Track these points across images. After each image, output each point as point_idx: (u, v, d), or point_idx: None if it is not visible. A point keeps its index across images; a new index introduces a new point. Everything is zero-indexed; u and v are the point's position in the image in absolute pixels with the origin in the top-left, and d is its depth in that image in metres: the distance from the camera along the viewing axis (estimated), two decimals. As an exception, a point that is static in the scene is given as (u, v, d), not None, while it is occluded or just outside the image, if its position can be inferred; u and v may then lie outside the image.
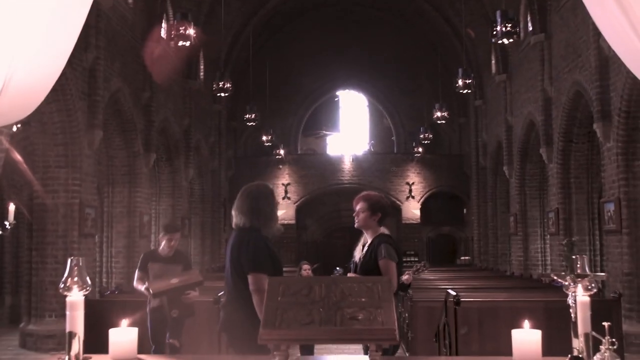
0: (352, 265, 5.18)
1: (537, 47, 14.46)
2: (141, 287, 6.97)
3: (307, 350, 6.89)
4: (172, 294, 6.88)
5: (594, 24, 10.21)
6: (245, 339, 3.93)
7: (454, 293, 7.61)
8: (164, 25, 15.37)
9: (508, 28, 11.72)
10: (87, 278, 3.00)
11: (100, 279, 13.30)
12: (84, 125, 11.12)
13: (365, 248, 5.04)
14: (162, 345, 6.99)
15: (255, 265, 4.05)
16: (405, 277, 6.16)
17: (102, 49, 11.56)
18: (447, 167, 24.77)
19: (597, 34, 10.61)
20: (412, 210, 24.49)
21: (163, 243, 7.22)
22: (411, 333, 8.73)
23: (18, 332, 11.02)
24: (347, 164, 24.96)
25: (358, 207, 5.00)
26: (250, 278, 4.02)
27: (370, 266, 4.85)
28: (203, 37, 16.45)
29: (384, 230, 5.75)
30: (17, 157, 10.44)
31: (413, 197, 24.52)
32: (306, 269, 8.62)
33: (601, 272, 11.44)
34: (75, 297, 2.95)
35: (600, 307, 8.43)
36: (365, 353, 4.35)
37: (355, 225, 5.07)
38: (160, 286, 6.83)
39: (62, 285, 2.96)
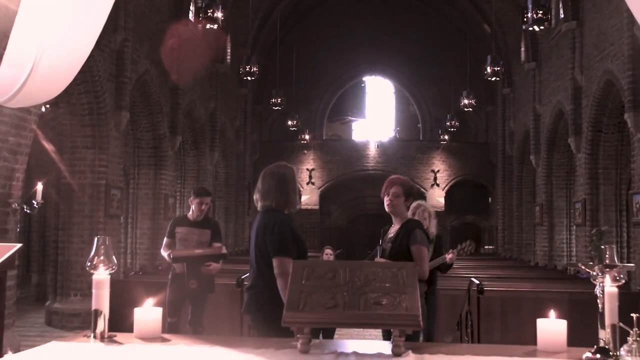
0: (378, 250, 5.10)
1: (569, 34, 14.24)
2: (165, 253, 6.90)
3: (328, 334, 6.85)
4: (192, 264, 6.68)
5: (628, 11, 10.02)
6: (268, 322, 3.95)
7: (477, 282, 7.57)
8: (191, 8, 15.38)
9: (539, 15, 11.57)
10: (113, 257, 3.03)
11: (124, 260, 13.45)
12: (111, 107, 11.20)
13: (393, 233, 4.94)
14: (177, 317, 6.84)
15: (280, 249, 4.07)
16: (449, 256, 6.26)
17: (130, 31, 11.61)
18: (473, 155, 24.59)
19: (632, 21, 10.42)
20: (437, 198, 24.37)
21: (193, 207, 6.98)
22: (433, 320, 8.72)
23: (44, 310, 11.19)
24: (372, 150, 24.89)
25: (392, 191, 4.86)
26: (275, 262, 4.04)
27: (401, 250, 4.76)
28: (230, 20, 16.45)
29: (428, 208, 6.20)
30: (45, 143, 10.56)
31: (438, 185, 24.40)
32: (328, 253, 8.60)
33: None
34: (101, 276, 2.97)
35: (626, 300, 8.34)
36: (385, 339, 4.32)
37: (389, 210, 4.93)
38: (182, 252, 6.73)
39: (88, 264, 3.00)
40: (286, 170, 4.39)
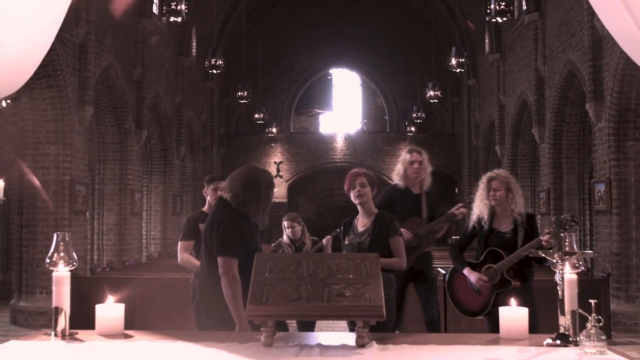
0: (348, 246, 4.87)
1: (531, 26, 14.39)
2: (190, 259, 5.62)
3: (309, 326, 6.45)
4: None
5: (588, 3, 10.17)
6: (221, 319, 3.89)
7: (443, 271, 7.62)
8: (155, 0, 15.21)
9: (502, 6, 11.68)
10: (73, 253, 2.98)
11: (91, 256, 13.29)
12: (74, 102, 11.03)
13: (365, 226, 4.82)
14: None
15: (224, 249, 3.96)
16: (545, 238, 4.91)
17: (93, 24, 11.44)
18: (440, 146, 24.71)
19: (591, 13, 10.56)
20: (404, 189, 24.45)
21: (208, 197, 6.00)
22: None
23: (9, 308, 11.02)
24: (340, 143, 24.91)
25: (359, 182, 4.79)
26: (219, 261, 3.95)
27: (382, 242, 4.67)
28: (195, 13, 16.30)
29: (505, 177, 5.28)
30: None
31: (405, 177, 24.48)
32: (290, 226, 7.22)
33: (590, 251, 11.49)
34: (62, 273, 2.93)
35: (589, 287, 8.48)
36: (350, 330, 4.31)
37: (358, 201, 4.83)
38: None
39: (48, 261, 2.95)
40: (263, 176, 4.24)
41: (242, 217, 4.10)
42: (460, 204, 5.85)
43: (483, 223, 5.26)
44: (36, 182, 10.50)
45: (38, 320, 10.35)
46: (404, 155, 6.23)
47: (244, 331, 3.64)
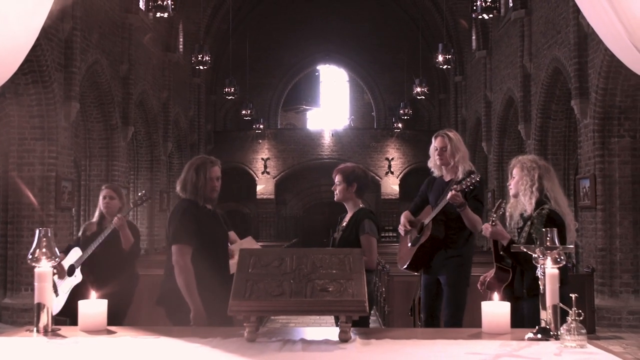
0: (331, 240, 5.01)
1: (517, 23, 14.45)
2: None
3: None
4: None
5: (573, 0, 10.23)
6: (181, 312, 3.96)
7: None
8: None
9: (488, 3, 11.71)
10: (56, 249, 2.98)
11: (77, 253, 13.20)
12: (60, 97, 10.97)
13: (345, 222, 4.90)
14: None
15: (176, 237, 4.04)
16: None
17: (78, 20, 11.37)
18: (427, 142, 23.99)
19: (577, 10, 10.62)
20: (391, 185, 24.55)
21: None
22: (388, 307, 8.80)
23: (-6, 305, 10.96)
24: (327, 139, 24.93)
25: (335, 180, 4.87)
26: (172, 249, 4.04)
27: (351, 239, 4.71)
28: (182, 8, 16.24)
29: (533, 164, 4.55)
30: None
31: (392, 173, 24.58)
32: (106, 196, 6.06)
33: (576, 247, 11.57)
34: (44, 268, 2.93)
35: (574, 282, 8.53)
36: (337, 325, 4.34)
37: (335, 199, 4.92)
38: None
39: (30, 257, 2.95)
40: (194, 160, 4.32)
41: (197, 207, 4.16)
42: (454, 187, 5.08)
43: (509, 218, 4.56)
44: (28, 193, 10.44)
45: (23, 317, 10.29)
46: (433, 142, 5.47)
47: (199, 317, 3.83)
